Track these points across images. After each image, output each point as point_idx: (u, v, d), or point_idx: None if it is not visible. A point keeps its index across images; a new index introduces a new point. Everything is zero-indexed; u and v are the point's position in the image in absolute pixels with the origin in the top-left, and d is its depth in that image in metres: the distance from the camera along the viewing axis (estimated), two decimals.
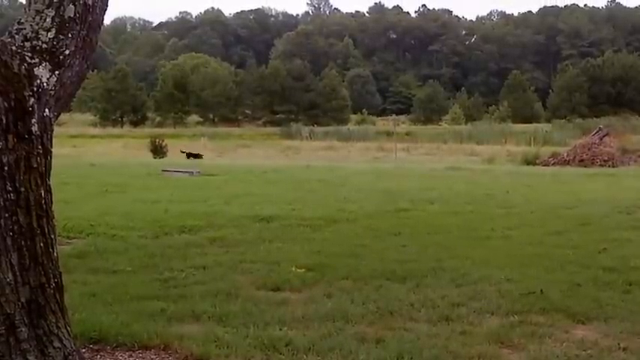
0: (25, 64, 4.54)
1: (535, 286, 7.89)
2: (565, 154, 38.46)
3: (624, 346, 6.00)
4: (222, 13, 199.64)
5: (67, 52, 4.81)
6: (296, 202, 16.44)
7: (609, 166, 35.00)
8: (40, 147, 4.60)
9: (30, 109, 4.53)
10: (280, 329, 6.41)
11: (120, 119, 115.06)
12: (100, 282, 8.26)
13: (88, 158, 36.35)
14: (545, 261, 9.62)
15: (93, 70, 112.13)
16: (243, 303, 7.32)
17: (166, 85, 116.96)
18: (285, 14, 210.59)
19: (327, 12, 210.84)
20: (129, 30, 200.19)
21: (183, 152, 41.64)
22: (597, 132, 41.07)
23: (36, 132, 4.57)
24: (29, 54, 4.66)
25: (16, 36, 4.75)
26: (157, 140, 45.30)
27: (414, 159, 44.66)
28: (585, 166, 34.32)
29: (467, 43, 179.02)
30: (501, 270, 8.89)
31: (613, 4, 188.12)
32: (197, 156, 40.53)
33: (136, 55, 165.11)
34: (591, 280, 8.43)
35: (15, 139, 4.46)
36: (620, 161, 37.27)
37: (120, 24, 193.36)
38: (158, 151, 43.59)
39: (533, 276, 8.55)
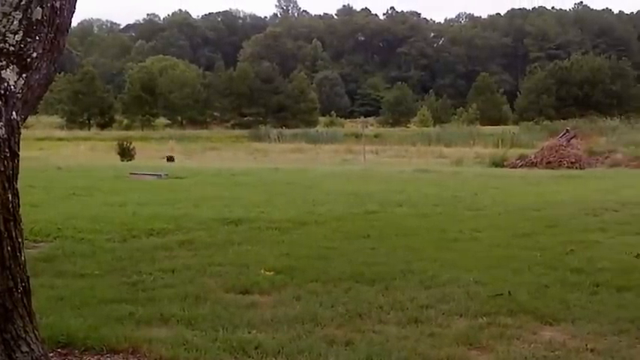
0: None
1: (503, 288, 7.94)
2: (533, 156, 38.77)
3: (592, 347, 6.05)
4: (190, 15, 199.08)
5: (34, 54, 4.78)
6: (265, 204, 16.43)
7: (576, 168, 35.34)
8: (7, 150, 4.57)
9: None
10: (249, 332, 6.40)
11: (87, 122, 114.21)
12: (68, 286, 8.19)
13: (55, 161, 36.02)
14: (513, 263, 9.69)
15: (60, 72, 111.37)
16: (212, 306, 7.30)
17: (134, 88, 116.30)
18: (253, 16, 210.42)
19: (296, 14, 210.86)
20: (96, 32, 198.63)
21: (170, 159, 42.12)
22: (564, 134, 41.45)
23: (3, 135, 4.53)
24: None
25: None
26: (125, 143, 45.07)
27: (382, 161, 44.78)
28: (553, 168, 34.62)
29: (435, 45, 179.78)
30: (469, 272, 8.93)
31: (580, 7, 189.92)
32: (170, 159, 41.09)
33: (102, 57, 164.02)
34: (559, 282, 8.50)
35: None
36: (587, 163, 37.64)
37: (87, 26, 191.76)
38: (126, 153, 43.35)
39: (501, 278, 8.61)
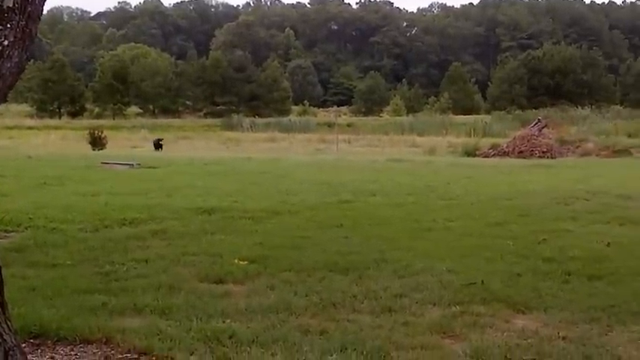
0: None
1: (476, 277, 7.99)
2: (505, 146, 38.94)
3: (563, 335, 6.10)
4: (162, 4, 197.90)
5: (5, 42, 4.73)
6: (238, 194, 16.40)
7: (548, 157, 35.53)
8: None
9: None
10: (223, 322, 6.39)
11: (57, 110, 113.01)
12: (40, 276, 8.14)
13: (25, 150, 35.73)
14: (485, 252, 9.74)
15: (30, 60, 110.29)
16: (185, 296, 7.29)
17: (105, 76, 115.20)
18: (225, 5, 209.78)
19: (268, 3, 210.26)
20: (66, 20, 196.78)
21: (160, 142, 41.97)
22: (536, 123, 41.66)
23: None
24: None
25: None
26: (96, 132, 44.65)
27: (355, 150, 44.81)
28: (524, 158, 34.79)
29: (408, 34, 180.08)
30: (443, 261, 8.98)
31: None
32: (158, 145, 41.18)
33: (73, 45, 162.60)
34: (531, 271, 8.57)
35: None
36: (559, 152, 37.86)
37: (57, 13, 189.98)
38: (97, 142, 42.98)
39: (474, 267, 8.66)
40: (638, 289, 7.71)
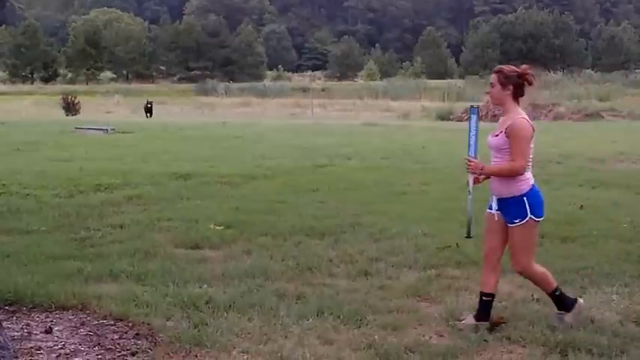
0: None
1: (451, 240, 8.03)
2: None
3: (537, 297, 6.15)
4: None
5: None
6: (213, 159, 16.38)
7: None
8: None
9: None
10: (200, 287, 6.40)
11: (30, 76, 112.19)
12: (14, 242, 8.10)
13: None
14: (460, 215, 9.73)
15: (1, 26, 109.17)
16: (161, 261, 7.28)
17: (78, 41, 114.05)
18: None
19: None
20: None
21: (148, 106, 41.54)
22: None
23: None
24: None
25: None
26: (70, 97, 44.36)
27: (330, 115, 44.79)
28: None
29: None
30: (418, 225, 9.03)
31: None
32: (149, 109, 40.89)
33: (45, 9, 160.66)
34: None
35: None
36: (532, 116, 37.94)
37: None
38: (70, 108, 42.74)
39: (448, 230, 8.70)
40: (611, 251, 7.80)
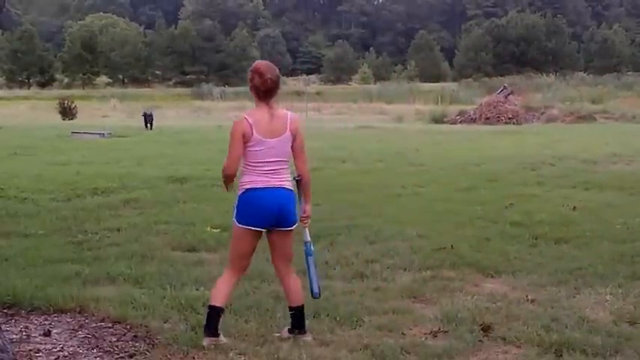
0: None
1: (446, 242, 8.08)
2: (472, 113, 39.19)
3: (532, 298, 6.20)
4: None
5: None
6: (209, 162, 16.40)
7: (514, 123, 35.88)
8: None
9: None
10: (197, 289, 6.44)
11: (27, 80, 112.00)
12: (12, 246, 8.13)
13: None
14: (455, 217, 9.85)
15: None
16: (159, 264, 7.32)
17: (74, 46, 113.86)
18: None
19: None
20: None
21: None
22: (502, 90, 41.97)
23: None
24: None
25: None
26: (66, 102, 44.38)
27: (325, 118, 44.80)
28: (491, 124, 35.11)
29: (375, 3, 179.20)
30: (413, 226, 9.07)
31: None
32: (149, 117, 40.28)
33: (41, 15, 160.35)
34: (499, 235, 8.69)
35: None
36: (524, 118, 38.20)
37: None
38: (67, 112, 42.75)
39: (443, 232, 8.76)
40: (604, 252, 7.85)
